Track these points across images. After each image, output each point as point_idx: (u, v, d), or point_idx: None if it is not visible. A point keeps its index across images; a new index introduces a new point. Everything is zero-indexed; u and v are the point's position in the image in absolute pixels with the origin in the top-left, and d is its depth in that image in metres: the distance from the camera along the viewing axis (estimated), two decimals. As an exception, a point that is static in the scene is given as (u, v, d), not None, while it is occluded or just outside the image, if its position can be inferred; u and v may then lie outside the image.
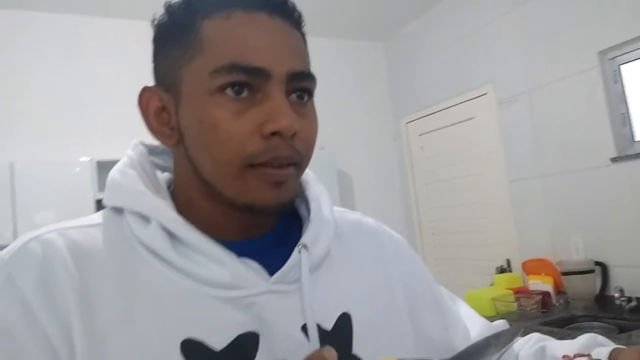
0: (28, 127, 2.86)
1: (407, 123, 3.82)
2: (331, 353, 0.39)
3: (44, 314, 0.46)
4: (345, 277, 0.61)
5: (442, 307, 0.71)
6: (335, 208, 0.67)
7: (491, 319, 0.77)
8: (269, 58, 0.51)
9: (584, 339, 0.64)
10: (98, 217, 0.57)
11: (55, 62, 2.99)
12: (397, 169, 3.95)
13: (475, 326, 0.72)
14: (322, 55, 3.71)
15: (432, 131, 3.57)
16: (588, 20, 2.47)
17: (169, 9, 0.55)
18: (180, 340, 0.49)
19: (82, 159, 2.70)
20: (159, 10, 0.56)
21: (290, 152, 0.52)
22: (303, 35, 0.58)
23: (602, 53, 2.42)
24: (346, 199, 3.57)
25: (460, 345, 0.67)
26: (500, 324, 0.75)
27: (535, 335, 0.71)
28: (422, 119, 3.66)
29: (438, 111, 3.49)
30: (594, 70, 2.45)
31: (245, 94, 0.50)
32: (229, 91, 0.50)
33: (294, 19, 0.56)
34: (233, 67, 0.50)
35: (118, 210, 0.56)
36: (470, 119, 3.23)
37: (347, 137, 3.76)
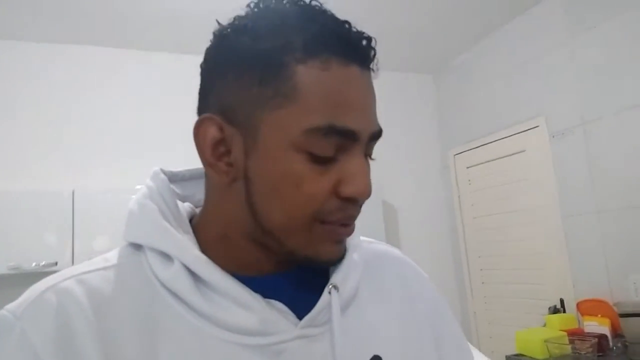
0: (89, 156, 3.03)
1: (455, 155, 3.78)
2: None
3: None
4: (376, 315, 0.59)
5: (465, 351, 0.68)
6: (362, 238, 0.66)
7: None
8: (360, 120, 0.49)
9: None
10: (114, 256, 0.54)
11: (116, 94, 3.16)
12: (444, 202, 3.89)
13: None
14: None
15: (481, 163, 3.52)
16: (646, 52, 2.40)
17: (250, 31, 0.49)
18: None
19: (138, 187, 2.81)
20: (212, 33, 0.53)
21: (358, 211, 0.52)
22: None
23: (661, 85, 2.34)
24: (391, 232, 3.54)
25: None
26: None
27: None
28: (471, 150, 3.61)
29: (487, 143, 3.44)
30: (652, 103, 2.36)
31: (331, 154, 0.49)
32: (318, 153, 0.48)
33: (374, 66, 0.53)
34: (330, 130, 0.47)
35: (137, 247, 0.53)
36: (521, 151, 3.16)
37: (393, 168, 3.75)
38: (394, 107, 3.89)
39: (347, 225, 0.52)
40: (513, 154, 3.23)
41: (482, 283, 3.49)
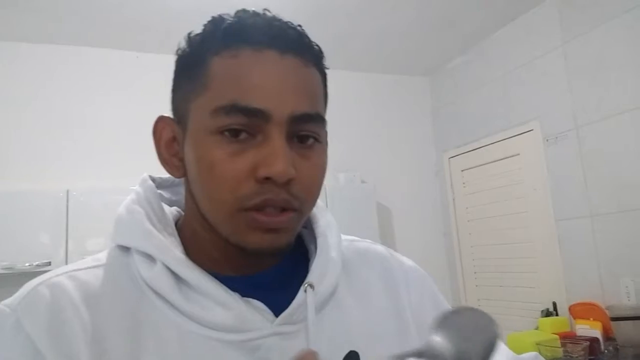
0: (84, 156, 3.02)
1: (450, 158, 3.80)
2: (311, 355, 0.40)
3: (54, 359, 0.46)
4: (354, 313, 0.60)
5: None
6: (344, 237, 0.66)
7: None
8: (270, 99, 0.49)
9: None
10: (104, 256, 0.57)
11: (111, 95, 3.16)
12: (438, 205, 3.90)
13: (498, 357, 0.69)
14: (367, 90, 3.80)
15: (475, 167, 3.53)
16: (639, 57, 2.41)
17: (188, 40, 0.55)
18: None
19: (133, 187, 2.80)
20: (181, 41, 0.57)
21: (285, 197, 0.50)
22: (322, 71, 0.56)
23: (655, 91, 2.36)
24: (385, 234, 3.55)
25: None
26: (532, 357, 0.71)
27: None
28: (466, 154, 3.62)
29: (482, 147, 3.46)
30: (646, 108, 2.38)
31: (243, 135, 0.49)
32: (227, 133, 0.49)
33: (311, 56, 0.53)
34: (232, 108, 0.49)
35: (125, 249, 0.56)
36: (515, 155, 3.18)
37: (388, 171, 3.76)
38: (389, 109, 3.90)
39: (273, 214, 0.50)
40: (507, 157, 3.24)
41: (476, 286, 3.51)
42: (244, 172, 0.49)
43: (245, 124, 0.49)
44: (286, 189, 0.50)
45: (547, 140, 2.93)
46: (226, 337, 0.51)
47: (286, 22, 0.53)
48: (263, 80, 0.49)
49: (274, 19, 0.53)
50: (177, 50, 0.56)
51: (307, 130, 0.52)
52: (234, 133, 0.49)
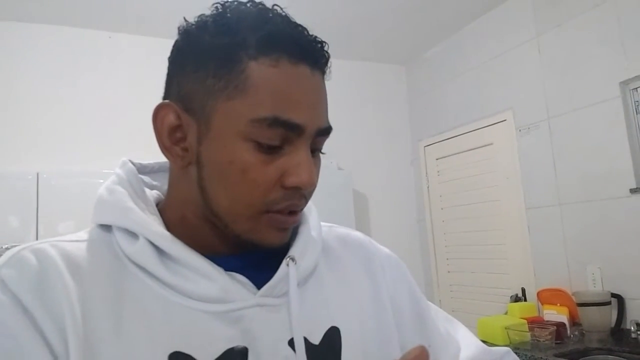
0: (54, 138, 2.95)
1: (425, 146, 3.83)
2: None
3: (42, 317, 0.47)
4: (334, 291, 0.62)
5: (427, 325, 0.70)
6: (323, 223, 0.68)
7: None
8: (306, 114, 0.52)
9: None
10: (83, 234, 0.57)
11: (82, 76, 3.08)
12: (413, 192, 3.95)
13: (469, 348, 0.71)
14: (344, 77, 3.79)
15: (450, 155, 3.58)
16: (610, 51, 2.47)
17: (210, 28, 0.53)
18: (168, 354, 0.49)
19: (105, 171, 2.76)
20: (185, 22, 0.55)
21: (303, 201, 0.56)
22: None
23: (624, 84, 2.41)
24: (361, 220, 3.58)
25: None
26: (502, 351, 0.74)
27: None
28: (441, 142, 3.66)
29: (457, 136, 3.50)
30: (615, 100, 2.44)
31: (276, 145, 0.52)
32: (264, 142, 0.51)
33: (326, 71, 0.57)
34: (274, 121, 0.50)
35: (106, 228, 0.56)
36: (489, 144, 3.23)
37: (364, 158, 3.79)
38: (366, 97, 3.91)
39: (293, 213, 0.55)
40: (481, 147, 3.29)
41: (448, 272, 3.57)
42: (273, 180, 0.52)
43: (282, 137, 0.51)
44: (303, 194, 0.54)
45: (519, 130, 2.98)
46: (210, 308, 0.52)
47: (314, 37, 0.55)
48: (301, 95, 0.52)
49: (305, 30, 0.54)
50: (184, 35, 0.55)
51: (321, 143, 0.57)
52: (272, 146, 0.51)
